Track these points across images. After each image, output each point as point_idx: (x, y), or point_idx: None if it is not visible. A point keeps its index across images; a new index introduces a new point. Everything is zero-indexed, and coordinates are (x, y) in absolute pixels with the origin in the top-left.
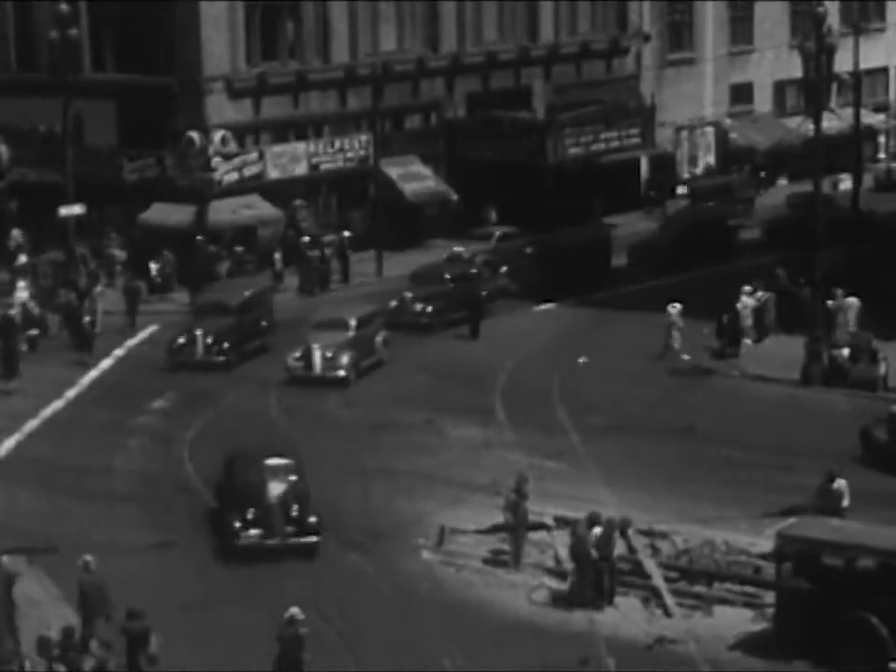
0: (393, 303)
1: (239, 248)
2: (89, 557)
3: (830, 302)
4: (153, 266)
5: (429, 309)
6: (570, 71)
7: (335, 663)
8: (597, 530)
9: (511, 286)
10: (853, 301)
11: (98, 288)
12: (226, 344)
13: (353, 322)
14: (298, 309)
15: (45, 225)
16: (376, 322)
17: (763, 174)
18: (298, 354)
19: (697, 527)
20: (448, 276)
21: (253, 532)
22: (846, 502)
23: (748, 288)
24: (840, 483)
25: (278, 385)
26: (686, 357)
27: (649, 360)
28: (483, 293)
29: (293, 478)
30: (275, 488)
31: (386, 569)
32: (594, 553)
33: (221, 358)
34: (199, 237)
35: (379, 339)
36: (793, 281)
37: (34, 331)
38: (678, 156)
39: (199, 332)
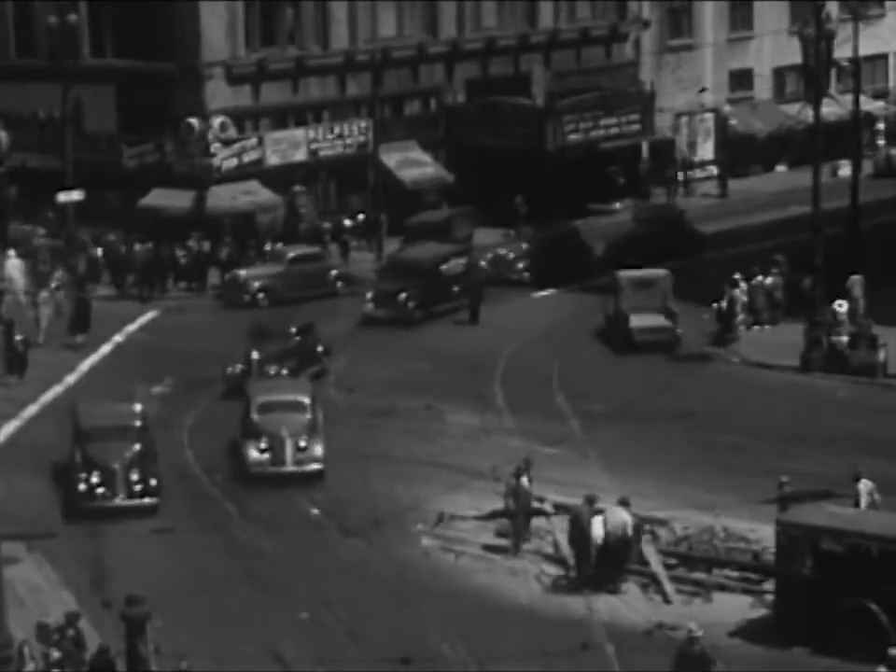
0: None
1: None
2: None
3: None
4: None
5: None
6: (570, 57)
7: (335, 649)
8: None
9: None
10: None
11: (43, 293)
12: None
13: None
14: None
15: (44, 210)
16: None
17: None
18: (263, 444)
19: (696, 514)
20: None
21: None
22: (863, 502)
23: (738, 276)
24: (865, 484)
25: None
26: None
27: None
28: (482, 279)
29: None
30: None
31: (386, 555)
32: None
33: None
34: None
35: (320, 348)
36: (794, 267)
37: None
38: (677, 142)
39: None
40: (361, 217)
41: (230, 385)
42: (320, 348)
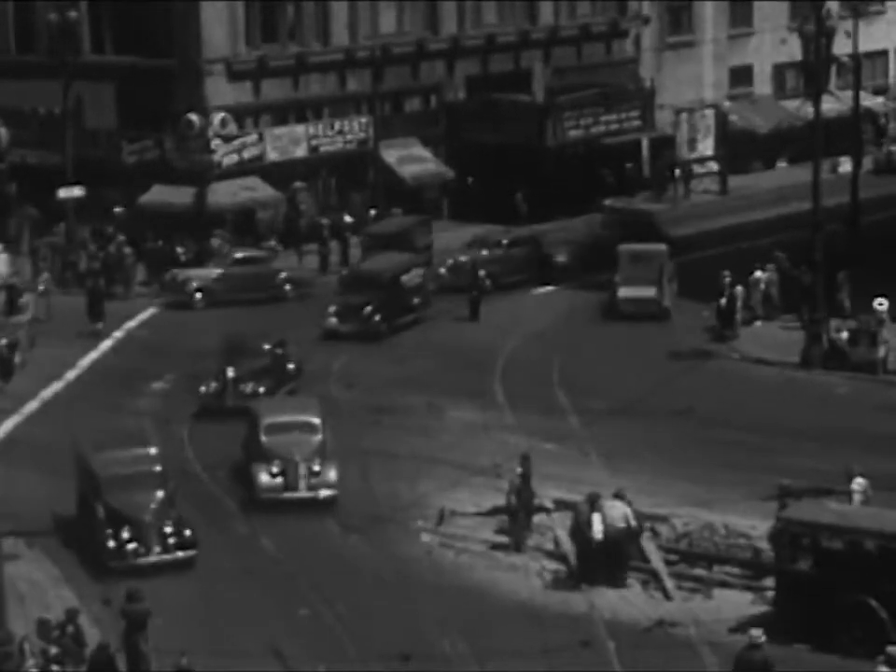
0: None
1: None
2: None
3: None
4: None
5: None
6: (570, 54)
7: (335, 645)
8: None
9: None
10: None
11: (23, 299)
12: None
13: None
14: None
15: (44, 207)
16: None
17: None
18: (275, 468)
19: (697, 510)
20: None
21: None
22: (856, 500)
23: (726, 272)
24: (858, 482)
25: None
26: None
27: (648, 342)
28: (483, 276)
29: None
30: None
31: (386, 552)
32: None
33: None
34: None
35: (291, 365)
36: (794, 263)
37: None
38: (677, 138)
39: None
40: (373, 212)
41: (204, 404)
42: (291, 365)
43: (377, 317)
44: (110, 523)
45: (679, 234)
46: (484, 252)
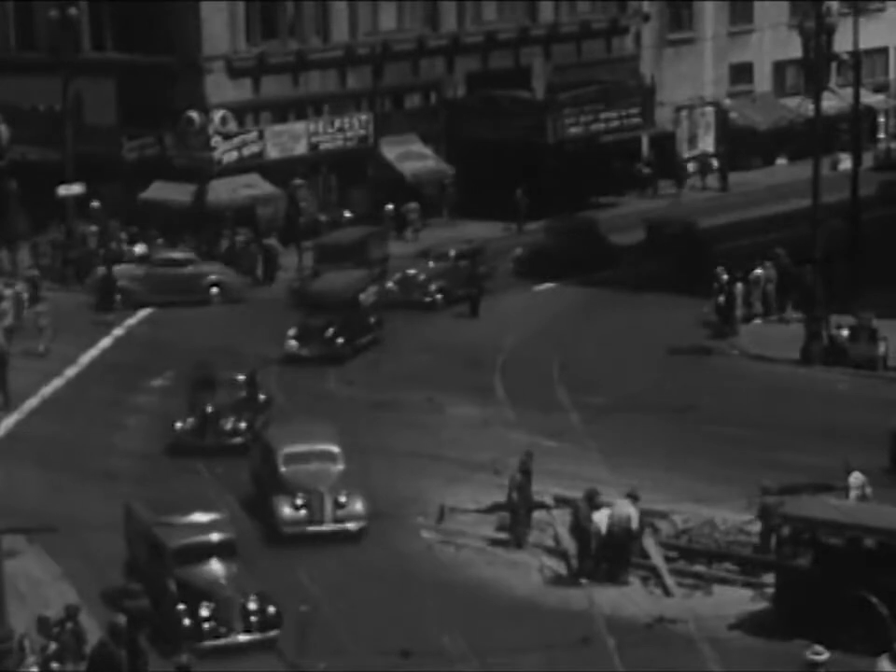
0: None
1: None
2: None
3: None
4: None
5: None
6: (570, 51)
7: (335, 641)
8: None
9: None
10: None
11: (40, 307)
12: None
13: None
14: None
15: (45, 204)
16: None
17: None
18: (299, 501)
19: (697, 507)
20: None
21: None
22: (853, 495)
23: (721, 269)
24: (856, 477)
25: (278, 362)
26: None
27: (648, 339)
28: (483, 272)
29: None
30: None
31: (386, 548)
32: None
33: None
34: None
35: (263, 396)
36: (794, 260)
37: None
38: (677, 135)
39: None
40: (390, 207)
41: (180, 442)
42: (262, 396)
43: (340, 339)
44: (184, 599)
45: (621, 243)
46: (432, 264)
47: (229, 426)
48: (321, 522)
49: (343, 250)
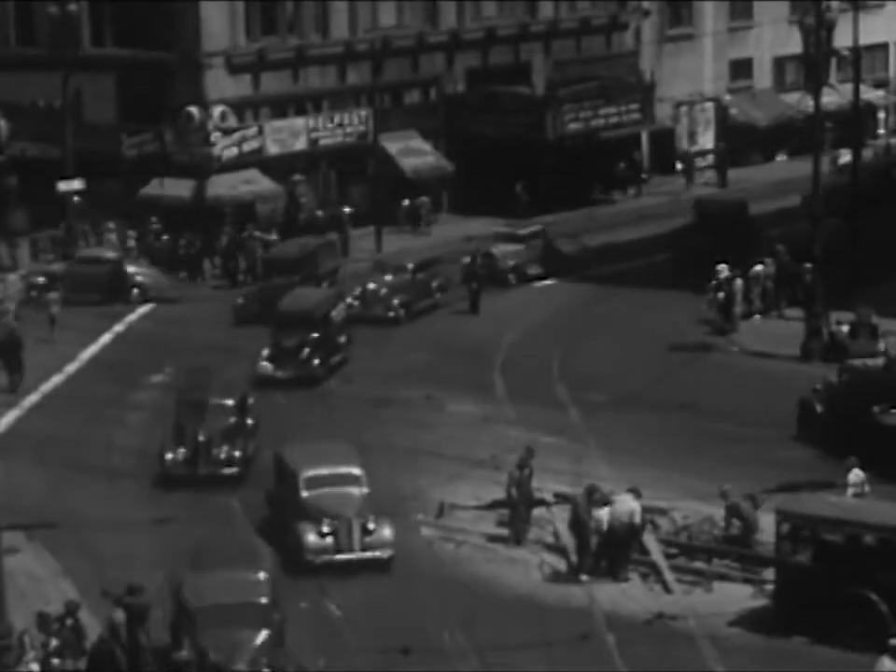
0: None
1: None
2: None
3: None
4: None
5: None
6: (570, 47)
7: (335, 638)
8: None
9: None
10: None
11: (52, 294)
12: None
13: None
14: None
15: (44, 200)
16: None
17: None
18: (325, 528)
19: (697, 503)
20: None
21: None
22: (850, 492)
23: (721, 266)
24: (856, 474)
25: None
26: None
27: (648, 335)
28: (481, 270)
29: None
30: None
31: None
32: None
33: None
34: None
35: (250, 421)
36: (794, 257)
37: None
38: (677, 131)
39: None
40: (406, 202)
41: (170, 474)
42: (250, 421)
43: (315, 360)
44: (196, 666)
45: (570, 250)
46: (389, 278)
47: (223, 455)
48: (350, 550)
49: (292, 263)
